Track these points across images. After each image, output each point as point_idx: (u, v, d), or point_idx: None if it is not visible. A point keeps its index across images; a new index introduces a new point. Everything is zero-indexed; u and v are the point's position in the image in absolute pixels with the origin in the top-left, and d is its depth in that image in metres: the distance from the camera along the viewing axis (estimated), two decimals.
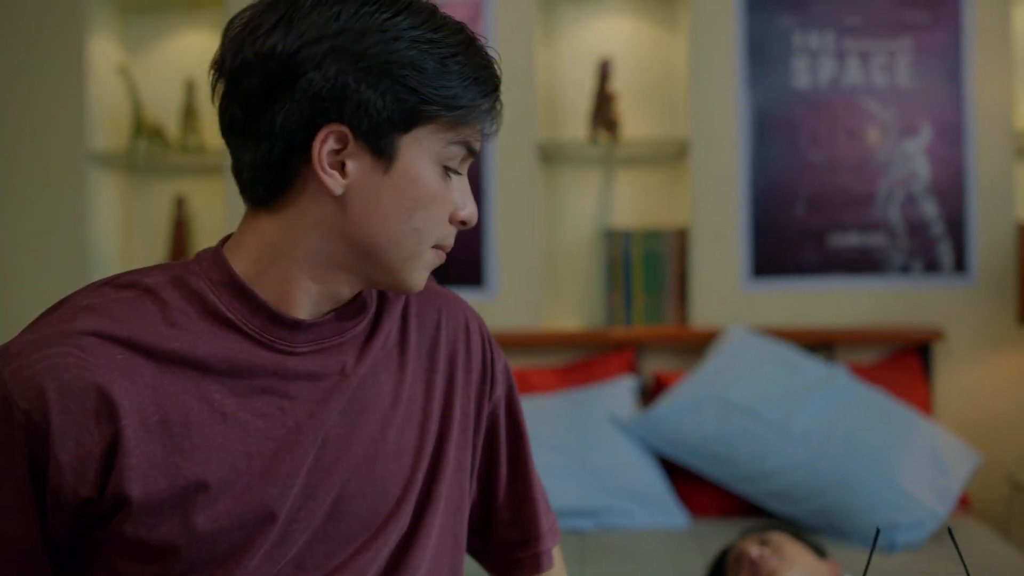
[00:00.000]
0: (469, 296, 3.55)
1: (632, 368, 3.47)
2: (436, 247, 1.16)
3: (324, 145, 1.08)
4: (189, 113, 3.69)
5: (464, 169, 1.16)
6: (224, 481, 1.09)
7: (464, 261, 3.58)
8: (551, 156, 3.69)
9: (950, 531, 1.55)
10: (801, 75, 3.53)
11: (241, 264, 1.14)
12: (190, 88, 3.70)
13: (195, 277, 1.13)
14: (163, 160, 3.77)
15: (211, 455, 1.09)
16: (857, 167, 3.51)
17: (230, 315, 1.12)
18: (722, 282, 3.53)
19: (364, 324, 1.20)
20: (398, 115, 1.08)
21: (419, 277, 1.16)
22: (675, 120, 3.68)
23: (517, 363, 3.52)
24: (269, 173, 1.10)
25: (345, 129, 1.08)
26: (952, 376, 3.49)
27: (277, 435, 1.12)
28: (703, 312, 3.53)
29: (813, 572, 2.06)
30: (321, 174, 1.09)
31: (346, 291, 1.16)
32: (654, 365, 3.56)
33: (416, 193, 1.11)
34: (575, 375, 3.45)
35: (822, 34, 3.52)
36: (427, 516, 1.22)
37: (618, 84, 3.61)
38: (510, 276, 3.58)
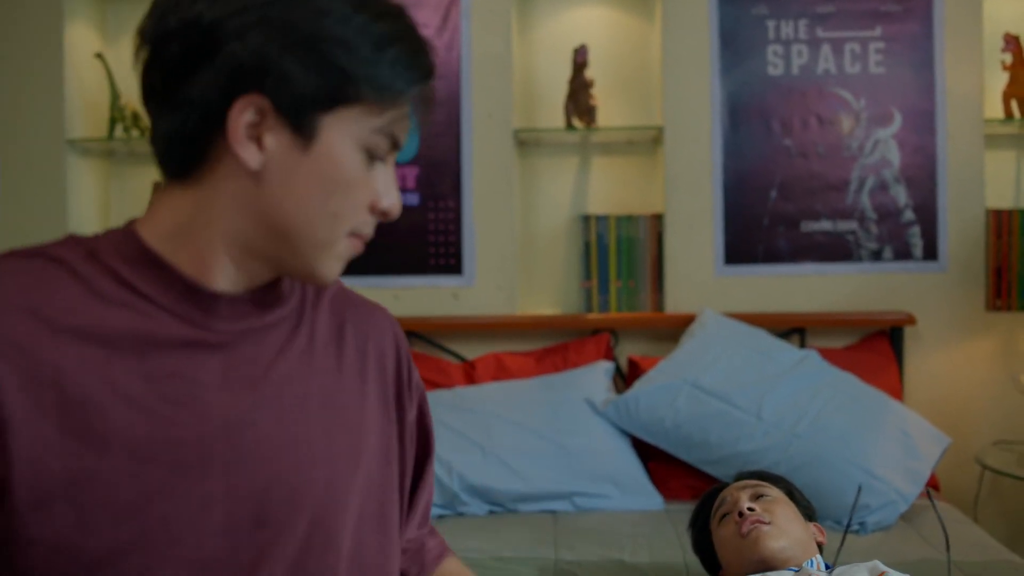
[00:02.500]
0: (447, 282, 3.58)
1: (607, 353, 3.51)
2: (353, 235, 1.10)
3: (241, 116, 1.03)
4: None
5: (391, 160, 1.11)
6: (123, 470, 1.01)
7: (441, 247, 3.61)
8: (527, 143, 3.72)
9: (929, 494, 1.60)
10: (774, 63, 3.57)
11: (153, 239, 1.08)
12: None
13: (105, 251, 1.08)
14: (142, 147, 3.78)
15: (111, 441, 1.01)
16: (829, 155, 3.55)
17: (143, 288, 1.06)
18: (696, 268, 3.57)
19: (285, 315, 1.16)
20: (322, 92, 1.03)
21: (332, 266, 1.11)
22: (650, 107, 3.71)
23: (494, 348, 3.55)
24: (183, 145, 1.06)
25: (265, 101, 1.03)
26: (922, 361, 3.54)
27: (185, 422, 1.05)
28: (678, 298, 3.57)
29: (797, 542, 1.96)
30: (236, 146, 1.03)
31: (264, 276, 1.12)
32: (629, 350, 3.60)
33: (335, 175, 1.06)
34: (551, 360, 3.48)
35: (795, 22, 3.56)
36: (343, 527, 1.16)
37: (594, 72, 3.64)
38: (487, 262, 3.61)
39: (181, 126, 1.05)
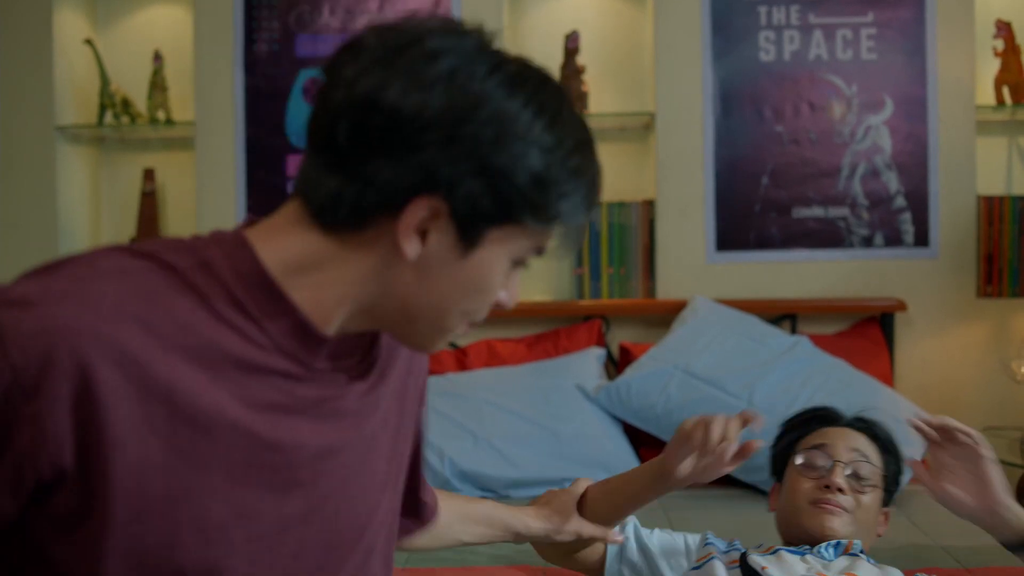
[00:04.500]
0: None
1: (599, 339, 3.51)
2: (468, 321, 1.12)
3: (417, 212, 1.01)
4: (157, 86, 3.69)
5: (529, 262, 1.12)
6: (219, 491, 1.03)
7: None
8: None
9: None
10: (766, 49, 3.56)
11: (274, 266, 1.05)
12: (159, 61, 3.69)
13: (220, 265, 1.04)
14: (132, 133, 3.77)
15: (212, 462, 1.02)
16: (821, 141, 3.55)
17: (256, 312, 1.04)
18: (688, 254, 3.57)
19: (378, 356, 1.17)
20: (499, 210, 1.03)
21: (440, 345, 1.14)
22: (642, 94, 3.70)
23: (485, 334, 3.55)
24: (351, 212, 1.03)
25: (443, 206, 1.01)
26: (913, 347, 3.55)
27: (279, 449, 1.07)
28: (669, 284, 3.57)
29: (857, 533, 1.85)
30: (402, 236, 1.02)
31: (368, 327, 1.13)
32: (621, 336, 3.60)
33: (481, 283, 1.07)
34: (543, 346, 3.49)
35: (787, 8, 3.55)
36: (379, 536, 1.23)
37: (585, 58, 3.63)
38: None
39: (356, 197, 1.02)
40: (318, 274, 1.05)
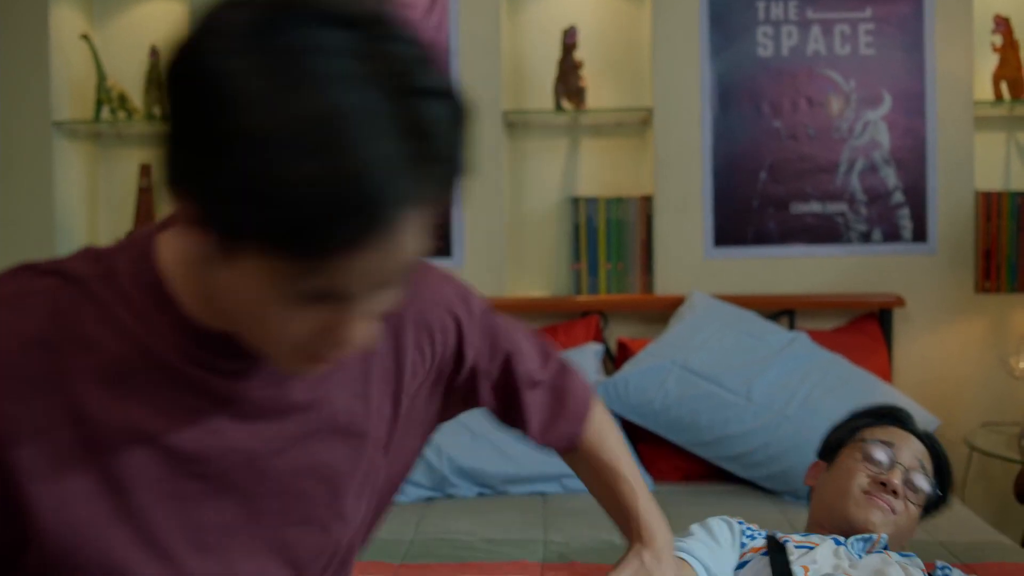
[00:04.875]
0: (436, 264, 3.56)
1: (597, 335, 3.50)
2: (301, 351, 0.93)
3: (180, 203, 0.88)
4: (154, 82, 3.68)
5: (350, 308, 0.88)
6: (148, 506, 0.99)
7: (430, 229, 3.59)
8: (516, 125, 3.70)
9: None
10: (764, 44, 3.56)
11: (169, 264, 0.98)
12: (155, 56, 3.68)
13: (123, 272, 0.98)
14: (128, 129, 3.76)
15: (134, 479, 0.97)
16: (819, 136, 3.55)
17: (155, 319, 0.97)
18: (686, 250, 3.57)
19: None
20: (237, 224, 0.84)
21: (291, 369, 0.97)
22: (640, 89, 3.70)
23: None
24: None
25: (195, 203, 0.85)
26: (911, 343, 3.55)
27: (205, 458, 1.01)
28: (667, 280, 3.56)
29: (895, 536, 1.85)
30: (183, 227, 0.92)
31: None
32: (618, 332, 3.59)
33: (243, 303, 0.90)
34: None
35: (785, 4, 3.55)
36: (353, 531, 1.16)
37: (583, 53, 3.63)
38: (475, 244, 3.60)
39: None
40: (197, 268, 0.94)
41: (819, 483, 1.99)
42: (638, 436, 3.22)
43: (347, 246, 0.81)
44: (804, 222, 3.56)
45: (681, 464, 3.17)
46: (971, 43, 3.52)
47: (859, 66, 3.54)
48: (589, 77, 3.63)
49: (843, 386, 3.09)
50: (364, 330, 0.91)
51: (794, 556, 1.74)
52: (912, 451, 1.94)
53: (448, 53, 3.55)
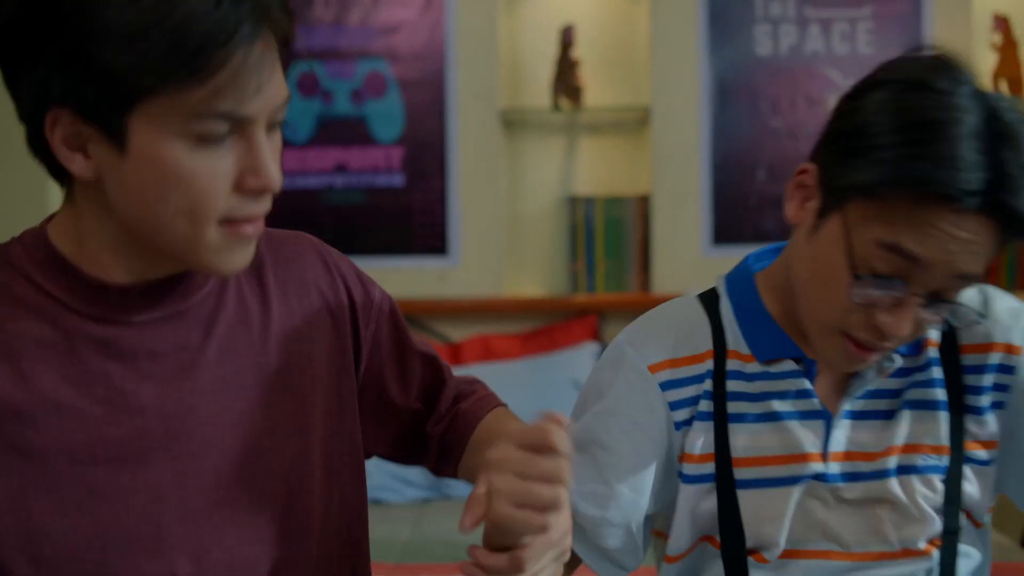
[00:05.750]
0: (432, 263, 3.56)
1: (594, 334, 3.49)
2: (227, 222, 0.99)
3: (54, 129, 0.96)
4: None
5: (253, 132, 0.99)
6: (66, 474, 1.01)
7: (427, 228, 3.59)
8: (513, 123, 3.69)
9: None
10: (762, 42, 3.55)
11: (59, 240, 1.04)
12: None
13: (18, 255, 1.04)
14: None
15: (48, 449, 1.00)
16: (817, 134, 3.53)
17: (54, 291, 1.02)
18: (683, 249, 3.55)
19: (209, 291, 1.09)
20: (105, 94, 0.93)
21: (221, 259, 1.01)
22: (637, 87, 3.68)
23: (480, 329, 3.53)
24: (39, 156, 1.01)
25: (64, 111, 0.95)
26: None
27: (119, 420, 1.02)
28: (665, 279, 3.55)
29: None
30: (62, 160, 0.97)
31: (174, 265, 1.04)
32: (616, 331, 3.54)
33: (160, 176, 0.95)
34: (538, 341, 3.47)
35: (784, 1, 3.54)
36: (309, 491, 1.12)
37: (581, 51, 3.61)
38: (473, 243, 3.59)
39: (29, 140, 1.01)
40: (83, 229, 1.03)
41: (797, 244, 1.27)
42: None
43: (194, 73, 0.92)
44: None
45: None
46: (970, 42, 3.51)
47: (858, 64, 3.52)
48: (587, 75, 3.61)
49: None
50: (269, 172, 0.99)
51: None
52: (949, 258, 1.14)
53: (444, 50, 3.54)
